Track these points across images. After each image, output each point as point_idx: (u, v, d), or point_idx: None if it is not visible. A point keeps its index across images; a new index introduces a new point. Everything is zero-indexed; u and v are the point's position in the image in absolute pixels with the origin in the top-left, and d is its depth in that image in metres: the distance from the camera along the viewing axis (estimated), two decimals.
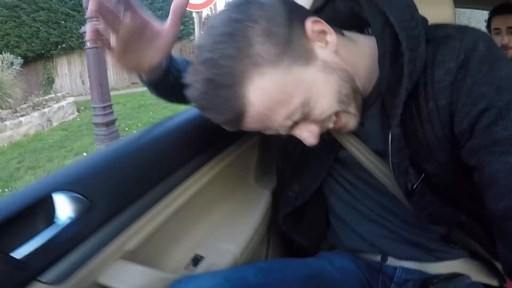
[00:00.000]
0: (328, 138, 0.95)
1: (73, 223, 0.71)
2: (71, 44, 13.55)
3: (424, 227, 0.96)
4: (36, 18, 13.28)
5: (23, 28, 13.38)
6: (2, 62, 10.10)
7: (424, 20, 0.84)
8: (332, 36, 0.80)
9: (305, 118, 0.80)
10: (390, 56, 0.79)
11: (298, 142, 0.89)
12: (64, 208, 0.72)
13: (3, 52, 10.92)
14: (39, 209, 0.69)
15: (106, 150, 0.94)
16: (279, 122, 0.78)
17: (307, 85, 0.76)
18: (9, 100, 9.14)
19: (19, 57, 11.44)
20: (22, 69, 11.13)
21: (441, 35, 0.79)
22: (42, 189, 0.71)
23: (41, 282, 0.64)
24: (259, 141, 1.46)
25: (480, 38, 0.76)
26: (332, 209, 1.14)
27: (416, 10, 0.80)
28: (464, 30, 0.78)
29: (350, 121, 0.87)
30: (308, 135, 0.83)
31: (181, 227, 1.06)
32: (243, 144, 1.37)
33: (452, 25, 0.84)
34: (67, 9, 13.23)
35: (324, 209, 1.20)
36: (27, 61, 13.32)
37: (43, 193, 0.70)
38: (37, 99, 9.88)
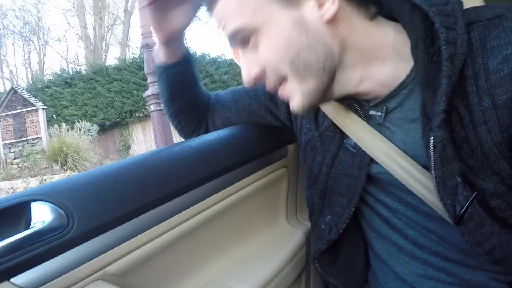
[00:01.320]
0: (355, 151, 0.84)
1: (49, 232, 0.65)
2: (144, 112, 14.12)
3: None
4: (110, 89, 14.14)
5: (99, 98, 14.24)
6: (80, 130, 11.03)
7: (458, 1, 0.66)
8: (332, 6, 0.66)
9: (254, 48, 0.73)
10: (424, 43, 0.64)
11: (323, 161, 0.89)
12: (42, 217, 0.67)
13: (80, 121, 11.91)
14: (14, 213, 0.66)
15: (105, 166, 0.84)
16: (230, 29, 0.71)
17: (269, 19, 0.69)
18: (85, 163, 9.94)
19: (96, 125, 12.38)
20: (98, 135, 12.04)
21: (488, 16, 0.64)
22: (21, 197, 0.68)
23: (12, 284, 0.61)
24: (291, 171, 1.31)
25: None
26: (371, 246, 1.00)
27: None
28: None
29: (295, 97, 0.75)
30: (244, 65, 0.76)
31: (186, 260, 0.94)
32: (272, 172, 1.20)
33: (498, 4, 0.66)
34: (138, 79, 14.00)
35: (362, 247, 1.06)
36: (104, 129, 14.27)
37: (21, 200, 0.68)
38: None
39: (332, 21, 0.67)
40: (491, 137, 0.62)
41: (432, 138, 0.63)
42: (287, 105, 0.96)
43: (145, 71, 7.30)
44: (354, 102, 0.80)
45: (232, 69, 14.85)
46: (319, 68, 0.70)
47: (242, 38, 0.73)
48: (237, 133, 1.09)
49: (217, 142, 1.02)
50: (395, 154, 0.76)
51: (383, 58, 0.72)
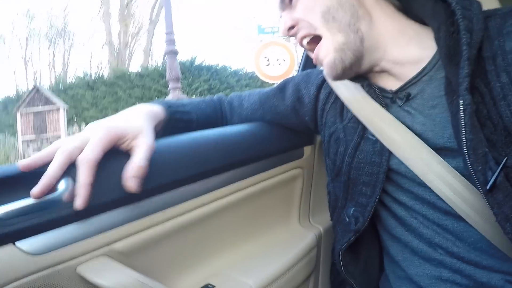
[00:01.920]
0: (375, 138, 0.86)
1: (59, 201, 0.64)
2: None
3: (499, 255, 0.74)
4: (132, 95, 14.34)
5: (120, 103, 14.42)
6: None
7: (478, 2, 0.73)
8: None
9: (294, 8, 0.85)
10: (445, 24, 0.71)
11: (345, 151, 0.91)
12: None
13: None
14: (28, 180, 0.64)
15: None
16: None
17: None
18: None
19: None
20: None
21: (504, 10, 0.72)
22: None
23: (18, 248, 0.60)
24: (306, 173, 1.30)
25: None
26: (386, 250, 0.99)
27: None
28: None
29: (328, 55, 0.81)
30: (282, 21, 0.87)
31: (195, 247, 0.93)
32: (288, 171, 1.20)
33: None
34: (159, 87, 14.17)
35: (378, 250, 1.05)
36: None
37: None
38: None
39: None
40: (510, 111, 0.65)
41: (461, 101, 0.65)
42: (313, 99, 1.03)
43: (167, 76, 7.45)
44: (375, 92, 0.85)
45: (253, 81, 15.00)
46: (346, 24, 0.79)
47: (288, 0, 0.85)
48: (256, 130, 1.11)
49: (235, 135, 1.03)
50: (413, 141, 0.78)
51: (406, 41, 0.80)
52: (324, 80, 1.01)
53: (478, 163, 0.66)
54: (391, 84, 0.84)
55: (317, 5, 0.80)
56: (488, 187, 0.65)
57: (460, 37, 0.67)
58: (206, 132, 0.98)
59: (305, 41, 0.86)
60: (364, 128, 0.88)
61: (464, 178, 0.73)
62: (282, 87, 1.12)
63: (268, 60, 7.95)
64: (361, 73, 0.86)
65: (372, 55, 0.82)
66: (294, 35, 0.87)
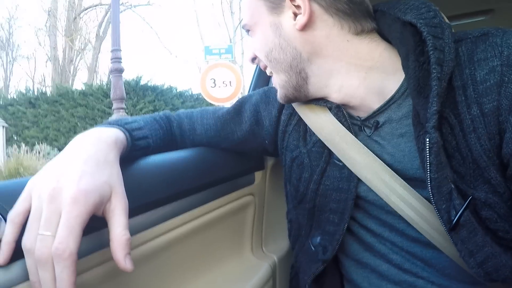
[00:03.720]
0: (342, 164, 0.85)
1: None
2: None
3: (469, 280, 0.76)
4: (74, 114, 13.89)
5: (62, 122, 13.95)
6: (39, 153, 10.83)
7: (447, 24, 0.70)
8: (303, 18, 0.76)
9: (252, 38, 0.90)
10: (414, 53, 0.69)
11: (311, 178, 0.89)
12: None
13: (41, 144, 11.70)
14: None
15: None
16: (242, 23, 0.90)
17: (259, 20, 0.84)
18: None
19: (56, 149, 12.18)
20: None
21: (476, 34, 0.70)
22: None
23: None
24: (258, 200, 1.26)
25: None
26: (349, 277, 0.95)
27: (432, 4, 0.72)
28: (502, 28, 0.68)
29: (276, 86, 0.89)
30: (246, 49, 1.05)
31: (141, 284, 0.84)
32: (239, 198, 1.16)
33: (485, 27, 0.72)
34: (103, 107, 13.83)
35: (339, 279, 1.00)
36: None
37: None
38: None
39: (305, 29, 0.78)
40: (480, 144, 0.64)
41: (427, 139, 0.64)
42: (274, 121, 1.01)
43: (112, 96, 7.32)
44: (344, 115, 0.84)
45: (199, 103, 14.96)
46: (287, 66, 0.83)
47: (247, 31, 0.89)
48: (203, 155, 1.04)
49: (181, 161, 0.95)
50: (381, 169, 0.78)
51: (366, 70, 0.79)
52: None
53: (442, 201, 0.67)
54: (358, 112, 0.84)
55: (263, 46, 0.86)
56: (450, 226, 0.66)
57: (431, 70, 0.65)
58: (149, 158, 0.88)
59: (267, 71, 0.91)
60: (330, 153, 0.87)
61: (433, 211, 0.73)
62: (239, 109, 1.07)
63: (214, 81, 7.95)
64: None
65: (323, 90, 0.85)
66: (257, 64, 0.94)
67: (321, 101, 0.88)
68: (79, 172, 0.60)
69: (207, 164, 1.03)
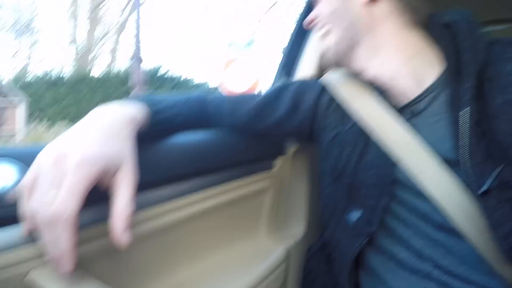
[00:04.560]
0: (380, 143, 0.87)
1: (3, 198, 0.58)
2: None
3: (487, 271, 0.75)
4: (92, 98, 13.95)
5: (80, 105, 14.16)
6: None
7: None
8: None
9: (317, 4, 0.99)
10: (452, 48, 0.81)
11: (352, 153, 0.92)
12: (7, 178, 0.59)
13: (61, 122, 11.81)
14: None
15: None
16: None
17: None
18: None
19: None
20: None
21: (509, 39, 0.78)
22: None
23: None
24: (277, 185, 1.27)
25: None
26: (364, 262, 0.95)
27: (468, 12, 0.85)
28: None
29: (330, 44, 0.94)
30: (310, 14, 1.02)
31: (159, 257, 0.86)
32: (257, 182, 1.16)
33: None
34: (121, 93, 13.85)
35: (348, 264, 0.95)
36: None
37: None
38: None
39: (369, 6, 0.87)
40: (502, 130, 0.69)
41: (463, 112, 0.72)
42: (312, 105, 1.05)
43: (132, 82, 7.33)
44: (385, 98, 0.89)
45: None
46: (343, 27, 0.90)
47: None
48: (225, 138, 1.06)
49: (201, 142, 0.96)
50: (417, 149, 0.82)
51: (410, 56, 0.86)
52: (323, 87, 1.04)
53: (475, 169, 0.70)
54: (395, 98, 0.88)
55: (329, 5, 0.93)
56: (481, 191, 0.69)
57: (465, 57, 0.75)
58: (173, 138, 0.89)
59: (321, 31, 0.96)
60: (370, 132, 0.90)
61: (463, 191, 0.74)
62: (277, 94, 1.09)
63: (232, 75, 7.92)
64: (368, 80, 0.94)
65: (365, 62, 0.91)
66: (312, 28, 1.02)
67: (362, 82, 0.96)
68: (88, 141, 0.61)
69: (227, 146, 1.05)
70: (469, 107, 0.71)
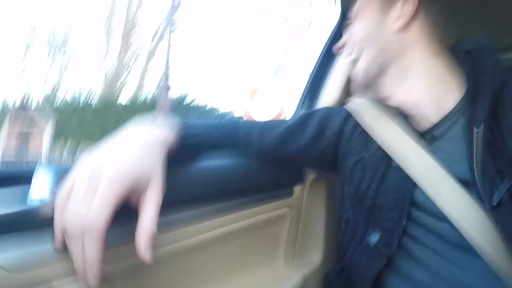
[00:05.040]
0: (400, 167, 0.90)
1: (37, 212, 0.60)
2: None
3: (502, 286, 0.76)
4: (118, 126, 14.18)
5: (106, 133, 14.20)
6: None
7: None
8: (402, 22, 0.91)
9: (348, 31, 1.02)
10: (472, 73, 0.86)
11: (373, 178, 0.94)
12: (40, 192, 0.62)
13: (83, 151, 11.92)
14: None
15: None
16: (357, 4, 1.00)
17: (366, 9, 0.97)
18: None
19: None
20: None
21: None
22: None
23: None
24: (294, 213, 1.28)
25: None
26: (382, 284, 0.94)
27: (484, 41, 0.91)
28: None
29: (359, 72, 0.97)
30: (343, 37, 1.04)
31: (177, 281, 0.87)
32: (275, 210, 1.18)
33: None
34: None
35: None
36: None
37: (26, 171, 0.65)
38: None
39: (402, 32, 0.91)
40: None
41: (477, 130, 0.77)
42: (337, 131, 1.08)
43: (157, 111, 7.44)
44: (406, 123, 0.94)
45: None
46: (374, 53, 0.93)
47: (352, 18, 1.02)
48: (246, 165, 1.08)
49: (225, 168, 1.00)
50: (435, 172, 0.84)
51: (434, 82, 0.90)
52: (349, 113, 1.08)
53: (486, 181, 0.75)
54: (416, 124, 0.92)
55: (361, 31, 0.96)
56: (494, 204, 0.73)
57: (482, 79, 0.82)
58: (197, 161, 0.93)
59: (347, 60, 1.01)
60: (390, 158, 0.93)
61: (477, 209, 0.77)
62: (304, 120, 1.13)
63: (258, 104, 7.98)
64: (390, 106, 0.97)
65: (392, 88, 0.95)
66: (341, 53, 1.05)
67: (386, 107, 0.99)
68: (122, 158, 0.65)
69: (248, 172, 1.08)
70: (483, 125, 0.77)
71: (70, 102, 15.56)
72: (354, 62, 0.98)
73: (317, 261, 1.31)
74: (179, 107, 13.95)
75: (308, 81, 1.57)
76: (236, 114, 15.64)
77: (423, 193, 0.85)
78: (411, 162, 0.88)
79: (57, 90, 24.91)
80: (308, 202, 1.32)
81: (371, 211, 0.95)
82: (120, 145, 0.69)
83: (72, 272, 0.60)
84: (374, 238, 0.93)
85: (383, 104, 1.00)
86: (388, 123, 0.96)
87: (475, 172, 0.77)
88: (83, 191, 0.59)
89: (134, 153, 0.67)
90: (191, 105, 14.46)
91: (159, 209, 0.66)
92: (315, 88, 1.53)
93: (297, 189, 1.27)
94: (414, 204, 0.88)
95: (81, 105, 15.29)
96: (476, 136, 0.77)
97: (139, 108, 14.23)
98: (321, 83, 1.51)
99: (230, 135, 1.08)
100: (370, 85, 0.97)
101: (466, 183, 0.79)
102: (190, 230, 0.87)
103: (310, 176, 1.31)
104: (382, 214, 0.92)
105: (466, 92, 0.85)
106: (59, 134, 14.52)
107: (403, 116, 0.95)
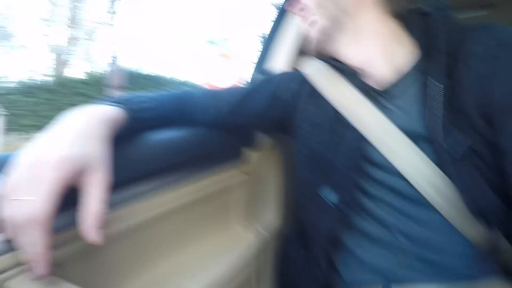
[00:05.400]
0: (354, 125, 0.92)
1: None
2: None
3: (459, 238, 0.82)
4: (73, 103, 13.60)
5: (61, 111, 13.68)
6: None
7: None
8: None
9: None
10: (427, 32, 0.88)
11: (326, 136, 0.96)
12: None
13: (39, 132, 11.69)
14: None
15: None
16: None
17: None
18: None
19: None
20: None
21: (478, 26, 0.83)
22: None
23: None
24: (250, 177, 1.30)
25: None
26: (339, 241, 0.97)
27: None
28: (503, 24, 0.81)
29: (318, 24, 0.97)
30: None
31: (135, 254, 0.87)
32: (229, 176, 1.20)
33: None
34: (102, 96, 13.65)
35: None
36: None
37: None
38: None
39: None
40: (475, 102, 0.77)
41: (438, 85, 0.79)
42: (293, 94, 1.09)
43: (110, 84, 7.36)
44: (359, 82, 0.95)
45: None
46: (331, 11, 0.94)
47: None
48: (195, 133, 1.06)
49: (173, 138, 0.97)
50: (389, 129, 0.86)
51: (388, 43, 0.92)
52: (303, 76, 1.08)
53: (448, 140, 0.77)
54: (372, 82, 0.93)
55: None
56: (458, 157, 0.76)
57: (439, 38, 0.83)
58: (146, 135, 0.90)
59: (305, 25, 1.01)
60: (346, 118, 0.94)
61: (432, 164, 0.81)
62: (260, 86, 1.15)
63: (215, 72, 7.99)
64: (347, 67, 0.98)
65: (348, 46, 0.96)
66: (300, 16, 1.03)
67: (341, 69, 1.00)
68: (63, 142, 0.62)
69: (199, 140, 1.06)
70: (442, 85, 0.79)
71: (23, 82, 15.06)
72: (312, 22, 0.98)
73: (274, 223, 1.33)
74: (134, 80, 13.71)
75: (262, 46, 1.55)
76: (194, 82, 15.57)
77: (378, 151, 0.88)
78: (366, 121, 0.90)
79: (5, 75, 24.12)
80: (264, 166, 1.34)
81: (328, 171, 0.96)
82: (61, 129, 0.66)
83: (21, 262, 0.59)
84: (332, 197, 0.94)
85: (339, 66, 1.01)
86: (343, 85, 0.97)
87: (433, 129, 0.79)
88: (26, 181, 0.57)
89: (77, 134, 0.66)
90: (146, 76, 14.31)
91: (106, 188, 0.65)
92: (269, 53, 1.51)
93: (252, 154, 1.29)
94: (370, 162, 0.90)
95: (32, 86, 14.82)
96: (438, 93, 0.79)
97: (93, 84, 13.95)
98: (276, 48, 1.51)
99: (185, 106, 1.08)
100: (327, 44, 0.98)
101: (424, 139, 0.83)
102: (144, 206, 0.85)
103: (264, 139, 1.32)
104: (339, 173, 0.94)
105: (423, 51, 0.87)
106: (15, 115, 14.14)
107: (358, 77, 0.96)
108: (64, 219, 0.65)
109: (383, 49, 0.91)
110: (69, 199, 0.61)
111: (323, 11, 0.95)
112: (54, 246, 0.60)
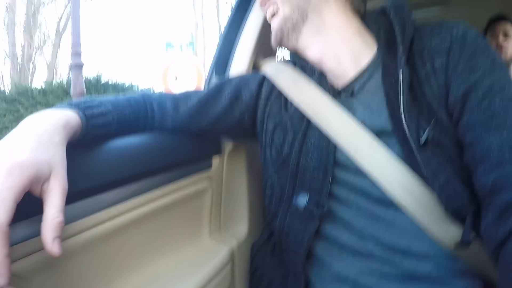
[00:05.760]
0: (319, 126, 0.92)
1: None
2: None
3: (428, 240, 0.81)
4: (34, 112, 13.51)
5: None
6: None
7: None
8: None
9: None
10: (384, 27, 0.92)
11: (294, 138, 0.96)
12: None
13: None
14: None
15: None
16: None
17: None
18: None
19: None
20: None
21: (436, 24, 0.87)
22: None
23: None
24: (215, 184, 1.27)
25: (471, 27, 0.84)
26: (310, 249, 0.95)
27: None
28: (459, 21, 0.85)
29: (278, 21, 0.98)
30: None
31: (97, 268, 0.83)
32: (196, 183, 1.16)
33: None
34: None
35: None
36: None
37: None
38: None
39: None
40: (432, 93, 0.80)
41: (401, 73, 0.81)
42: (254, 95, 1.10)
43: (72, 92, 7.22)
44: (321, 81, 0.97)
45: None
46: (295, 3, 0.94)
47: None
48: (162, 139, 1.04)
49: (136, 145, 0.93)
50: (353, 128, 0.87)
51: (349, 37, 0.94)
52: (264, 77, 1.09)
53: (411, 126, 0.79)
54: (334, 80, 0.96)
55: None
56: (422, 143, 0.78)
57: (397, 31, 0.85)
58: (109, 142, 0.87)
59: (268, 14, 1.01)
60: (310, 117, 0.95)
61: (400, 162, 0.82)
62: (219, 88, 1.12)
63: (175, 78, 7.89)
64: (309, 61, 1.00)
65: (311, 39, 0.96)
66: (264, 8, 1.03)
67: (302, 68, 1.03)
68: (18, 147, 0.60)
69: (163, 148, 1.03)
70: (401, 75, 0.80)
71: None
72: (275, 11, 0.99)
73: (243, 232, 1.32)
74: (96, 87, 13.60)
75: (218, 48, 1.49)
76: (155, 88, 15.39)
77: (344, 151, 0.87)
78: (329, 120, 0.90)
79: None
80: (228, 172, 1.31)
81: (296, 172, 0.95)
82: (17, 135, 0.64)
83: None
84: (302, 200, 0.93)
85: (300, 64, 1.03)
86: (304, 83, 0.98)
87: (399, 117, 0.80)
88: None
89: (32, 140, 0.63)
90: (108, 83, 14.14)
91: (65, 196, 0.62)
92: (226, 55, 1.46)
93: (215, 160, 1.25)
94: (336, 163, 0.90)
95: None
96: (397, 83, 0.80)
97: (55, 91, 13.72)
98: (232, 49, 1.44)
99: (143, 110, 1.04)
100: (290, 35, 0.98)
101: (387, 133, 0.84)
102: (106, 215, 0.82)
103: (228, 145, 1.28)
104: (307, 175, 0.93)
105: (381, 46, 0.90)
106: None
107: (320, 74, 0.98)
108: (27, 228, 0.63)
109: (345, 43, 0.93)
110: (33, 206, 0.60)
111: (286, 0, 0.95)
112: (15, 256, 0.59)
